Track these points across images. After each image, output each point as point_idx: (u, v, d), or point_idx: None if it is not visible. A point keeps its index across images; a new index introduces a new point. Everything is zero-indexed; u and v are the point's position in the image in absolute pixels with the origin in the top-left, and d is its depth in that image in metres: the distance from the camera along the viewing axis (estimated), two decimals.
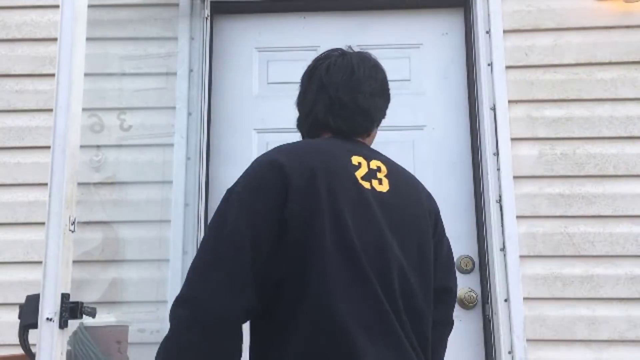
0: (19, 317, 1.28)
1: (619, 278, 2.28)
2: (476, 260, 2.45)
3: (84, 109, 1.39)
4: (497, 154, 2.36)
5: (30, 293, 2.29)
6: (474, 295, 2.39)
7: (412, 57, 2.65)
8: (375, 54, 2.61)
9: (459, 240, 2.47)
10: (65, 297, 1.23)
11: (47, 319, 1.22)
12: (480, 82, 2.44)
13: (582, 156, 2.37)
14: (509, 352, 2.22)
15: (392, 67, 2.65)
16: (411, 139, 2.58)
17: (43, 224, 2.33)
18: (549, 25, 2.47)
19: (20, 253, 2.36)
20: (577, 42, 2.45)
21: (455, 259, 2.47)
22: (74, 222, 1.31)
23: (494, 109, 2.40)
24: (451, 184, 2.53)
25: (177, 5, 2.50)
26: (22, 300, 2.29)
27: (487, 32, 2.46)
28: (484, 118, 2.41)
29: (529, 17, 2.48)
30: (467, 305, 2.39)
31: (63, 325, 1.22)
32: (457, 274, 2.43)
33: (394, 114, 2.58)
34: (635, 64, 2.42)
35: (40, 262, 2.29)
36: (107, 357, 1.61)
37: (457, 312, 2.42)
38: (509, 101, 2.40)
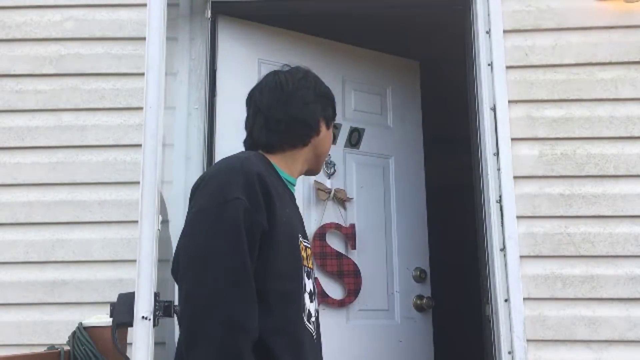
0: (111, 316, 1.28)
1: (619, 278, 2.27)
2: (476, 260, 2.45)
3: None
4: (497, 154, 2.36)
5: (30, 293, 2.30)
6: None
7: None
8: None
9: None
10: (157, 295, 1.24)
11: (143, 317, 1.22)
12: (480, 82, 2.44)
13: (582, 156, 2.37)
14: (509, 352, 2.22)
15: None
16: None
17: (43, 224, 2.36)
18: (549, 25, 2.46)
19: (20, 253, 2.36)
20: (577, 42, 2.45)
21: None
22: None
23: (494, 109, 2.40)
24: None
25: (177, 5, 2.50)
26: (22, 300, 2.31)
27: (487, 32, 2.46)
28: (484, 118, 2.41)
29: (529, 17, 2.47)
30: None
31: (157, 323, 1.23)
32: None
33: None
34: (635, 64, 2.42)
35: (39, 262, 2.34)
36: (106, 357, 1.61)
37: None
38: (509, 101, 2.40)
